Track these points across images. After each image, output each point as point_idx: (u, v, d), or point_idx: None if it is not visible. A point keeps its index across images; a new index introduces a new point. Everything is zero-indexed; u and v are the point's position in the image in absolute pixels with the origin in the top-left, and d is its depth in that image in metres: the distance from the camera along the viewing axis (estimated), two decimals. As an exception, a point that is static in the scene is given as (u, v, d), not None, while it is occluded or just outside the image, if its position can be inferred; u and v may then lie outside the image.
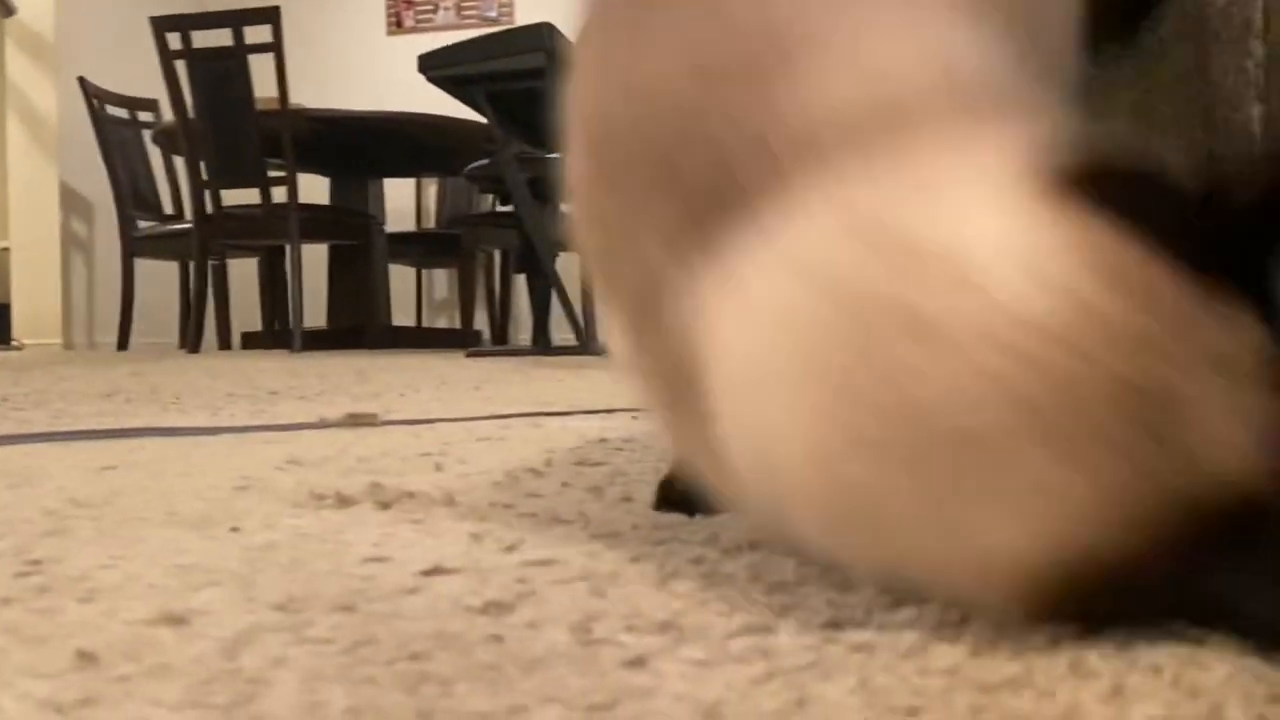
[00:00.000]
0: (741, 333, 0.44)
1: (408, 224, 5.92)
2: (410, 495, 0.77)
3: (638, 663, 0.42)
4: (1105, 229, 0.40)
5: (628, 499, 0.77)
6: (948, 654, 0.42)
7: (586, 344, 3.85)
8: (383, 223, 5.26)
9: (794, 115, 0.44)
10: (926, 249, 0.41)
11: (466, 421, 1.40)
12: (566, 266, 3.84)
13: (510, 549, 0.61)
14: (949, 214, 0.42)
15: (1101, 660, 0.40)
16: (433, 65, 3.61)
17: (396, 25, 6.89)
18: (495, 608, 0.49)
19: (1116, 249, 0.40)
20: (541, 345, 4.15)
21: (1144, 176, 0.42)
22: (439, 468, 0.94)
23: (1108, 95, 0.85)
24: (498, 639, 0.45)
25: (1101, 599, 0.40)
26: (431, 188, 6.03)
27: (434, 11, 6.82)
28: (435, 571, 0.56)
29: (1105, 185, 0.41)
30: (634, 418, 1.30)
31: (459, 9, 6.77)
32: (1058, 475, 0.39)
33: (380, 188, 5.36)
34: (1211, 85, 0.65)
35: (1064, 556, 0.40)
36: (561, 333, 4.17)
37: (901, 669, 0.40)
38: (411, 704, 0.38)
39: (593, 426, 1.31)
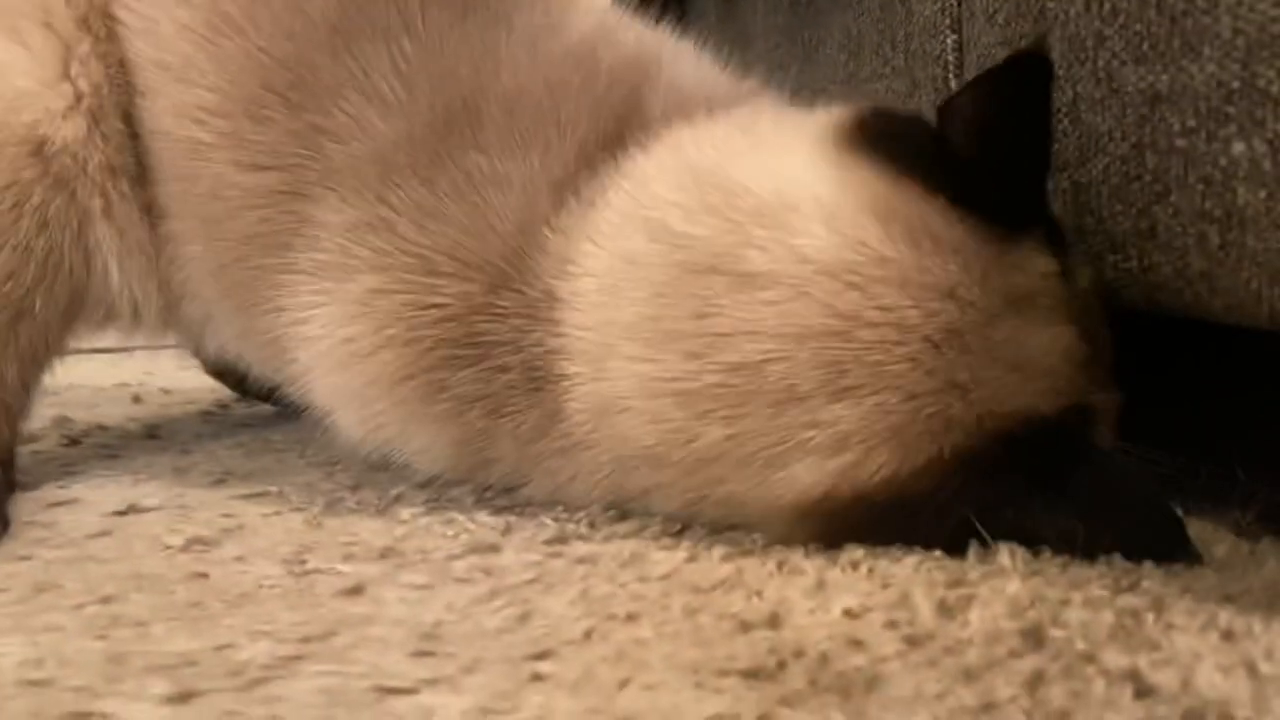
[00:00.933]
0: (597, 282, 0.47)
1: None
2: (103, 429, 0.71)
3: (355, 591, 0.40)
4: (888, 174, 0.44)
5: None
6: (666, 560, 0.43)
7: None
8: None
9: (653, 103, 0.52)
10: (750, 198, 0.46)
11: (172, 349, 1.30)
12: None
13: (218, 482, 0.57)
14: (769, 166, 0.47)
15: (806, 558, 0.43)
16: None
17: None
18: (199, 544, 0.46)
19: (901, 192, 0.44)
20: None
21: (923, 126, 0.47)
22: (138, 399, 0.86)
23: (821, 22, 0.88)
24: (201, 576, 0.42)
25: (891, 521, 0.43)
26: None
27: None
28: (130, 510, 0.51)
29: (888, 134, 0.46)
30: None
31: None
32: (838, 410, 0.42)
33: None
34: (912, 15, 0.69)
35: (844, 487, 0.43)
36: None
37: (622, 577, 0.41)
38: (101, 649, 0.35)
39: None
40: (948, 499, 0.42)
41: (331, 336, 0.50)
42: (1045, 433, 0.42)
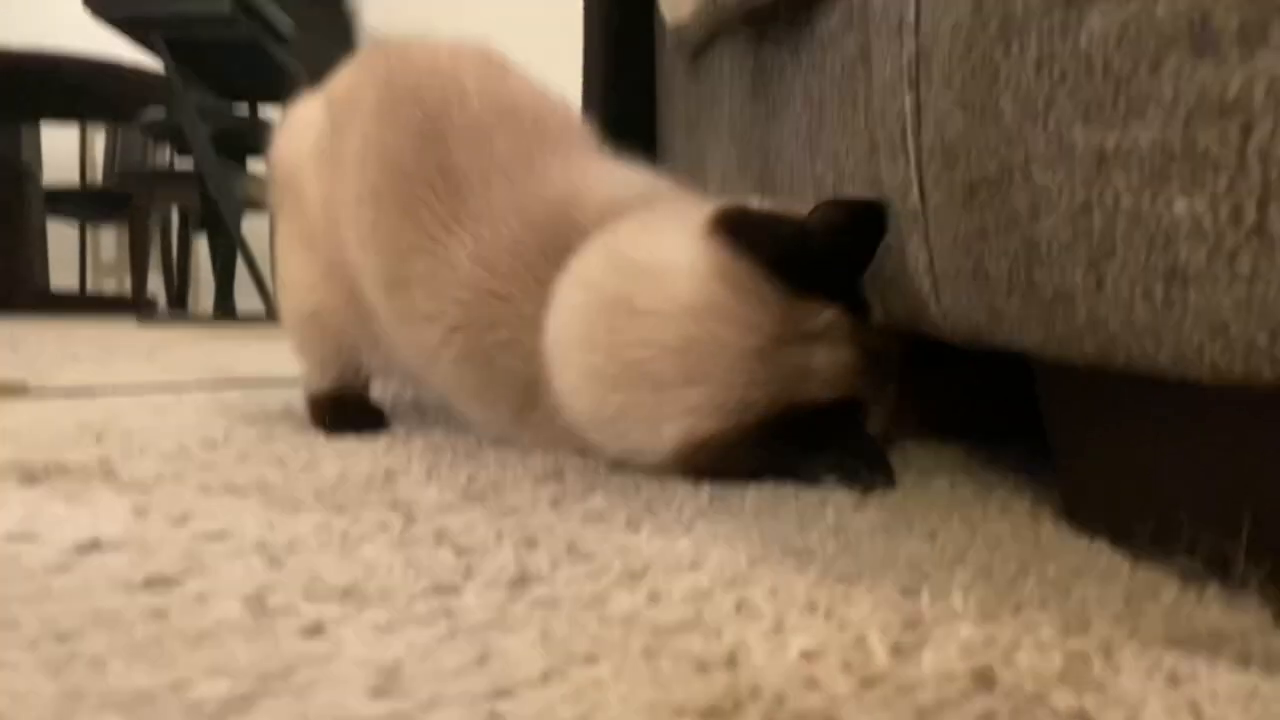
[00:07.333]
0: (555, 319, 0.75)
1: (69, 176, 5.35)
2: (64, 469, 0.70)
3: (315, 630, 0.40)
4: (731, 252, 0.70)
5: (312, 467, 0.74)
6: (626, 601, 0.43)
7: (274, 310, 3.65)
8: (38, 173, 4.73)
9: (591, 205, 0.81)
10: (642, 266, 0.73)
11: (135, 393, 1.29)
12: (253, 228, 3.62)
13: (179, 522, 0.56)
14: (655, 245, 0.74)
15: (765, 600, 0.43)
16: (102, 3, 3.27)
17: (56, -45, 6.19)
18: (159, 582, 0.46)
19: (736, 264, 0.70)
20: (224, 312, 3.90)
21: (762, 219, 0.73)
22: (99, 439, 0.86)
23: (785, 82, 0.90)
24: (160, 614, 0.42)
25: (720, 458, 0.69)
26: (98, 137, 5.49)
27: (102, -56, 6.16)
28: (90, 548, 0.51)
29: (740, 226, 0.71)
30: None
31: (131, -56, 6.16)
32: (689, 392, 0.69)
33: (36, 134, 4.81)
34: (871, 77, 0.71)
35: (696, 436, 0.69)
36: (247, 299, 3.93)
37: (582, 618, 0.41)
38: (55, 686, 0.35)
39: (280, 397, 1.25)
40: (747, 450, 0.69)
41: None
42: (819, 412, 0.69)
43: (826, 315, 0.70)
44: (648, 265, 0.72)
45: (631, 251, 0.74)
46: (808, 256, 0.69)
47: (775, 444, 0.69)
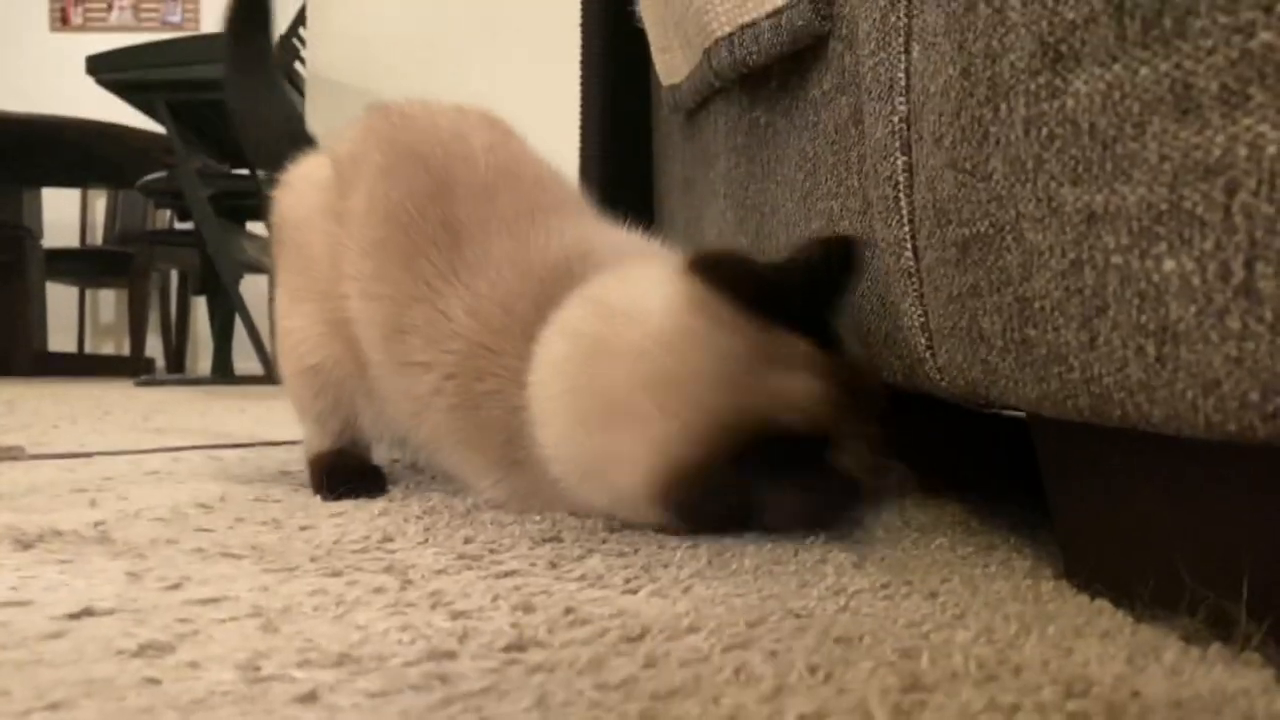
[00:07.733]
0: (539, 372, 0.76)
1: (70, 239, 5.39)
2: (58, 534, 0.70)
3: (309, 698, 0.40)
4: (704, 287, 0.72)
5: (308, 530, 0.74)
6: (623, 667, 0.43)
7: (272, 372, 3.64)
8: (39, 236, 4.76)
9: (592, 264, 0.81)
10: (619, 309, 0.75)
11: (131, 455, 1.29)
12: (252, 289, 3.63)
13: (173, 587, 0.56)
14: (633, 290, 0.76)
15: (764, 663, 0.43)
16: (105, 68, 3.31)
17: (62, 22, 6.30)
18: (152, 649, 0.45)
19: (708, 297, 0.71)
20: (222, 374, 3.90)
21: (737, 259, 0.74)
22: (94, 504, 0.85)
23: (779, 142, 0.91)
24: (154, 682, 0.41)
25: (699, 491, 0.69)
26: (99, 200, 5.54)
27: (107, 10, 6.28)
28: (84, 614, 0.50)
29: (712, 265, 0.73)
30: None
31: (136, 9, 6.26)
32: (666, 423, 0.69)
33: (37, 198, 4.85)
34: (864, 138, 0.72)
35: (674, 466, 0.68)
36: (245, 361, 3.93)
37: (579, 684, 0.41)
38: (44, 759, 0.34)
39: (276, 459, 1.25)
40: (724, 480, 0.68)
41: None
42: (794, 443, 0.68)
43: (798, 346, 0.70)
44: (625, 308, 0.74)
45: (610, 298, 0.76)
46: (780, 290, 0.70)
47: (753, 472, 0.68)
